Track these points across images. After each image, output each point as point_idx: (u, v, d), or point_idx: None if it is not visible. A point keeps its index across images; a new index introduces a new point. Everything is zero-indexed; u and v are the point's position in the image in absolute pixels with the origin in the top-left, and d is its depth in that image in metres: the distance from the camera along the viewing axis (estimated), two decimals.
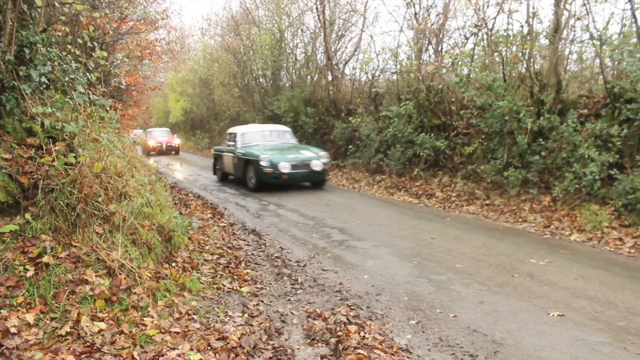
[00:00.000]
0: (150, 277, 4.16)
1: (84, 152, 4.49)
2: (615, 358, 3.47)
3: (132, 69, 11.60)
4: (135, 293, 3.86)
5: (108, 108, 5.29)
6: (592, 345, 3.66)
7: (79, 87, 4.86)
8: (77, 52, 6.23)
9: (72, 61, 5.31)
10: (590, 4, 9.40)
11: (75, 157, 4.21)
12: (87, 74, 5.39)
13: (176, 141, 28.09)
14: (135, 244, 4.45)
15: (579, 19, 10.05)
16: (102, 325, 3.41)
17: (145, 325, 3.53)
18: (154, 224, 4.95)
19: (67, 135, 4.47)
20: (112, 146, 4.48)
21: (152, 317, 3.68)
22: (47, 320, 3.34)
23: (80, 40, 6.60)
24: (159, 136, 28.18)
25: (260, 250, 6.41)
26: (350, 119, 14.87)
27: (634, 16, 8.49)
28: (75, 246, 3.98)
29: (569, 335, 3.84)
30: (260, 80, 23.84)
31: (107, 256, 3.97)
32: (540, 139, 9.11)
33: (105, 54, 6.74)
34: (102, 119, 5.28)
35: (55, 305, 3.47)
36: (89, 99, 4.90)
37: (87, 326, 3.34)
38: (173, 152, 27.52)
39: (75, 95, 4.62)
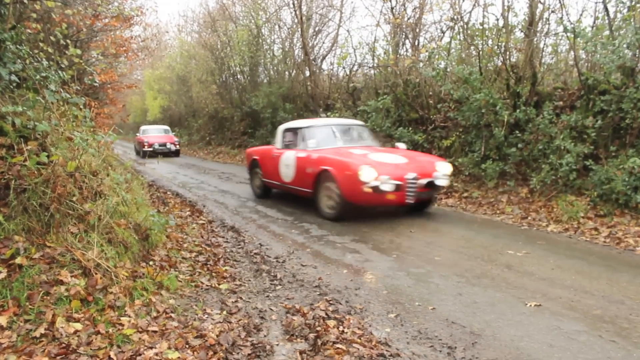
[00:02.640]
0: (127, 276, 4.11)
1: (57, 151, 4.42)
2: (591, 346, 3.52)
3: (107, 67, 11.46)
4: (111, 293, 3.82)
5: (82, 106, 5.22)
6: (568, 334, 3.71)
7: (51, 85, 4.78)
8: (50, 50, 6.14)
9: (44, 59, 5.23)
10: None
11: (48, 156, 4.15)
12: (60, 72, 5.31)
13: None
14: (111, 243, 4.40)
15: (553, 12, 10.18)
16: (78, 326, 3.37)
17: (122, 325, 3.50)
18: (130, 223, 4.90)
19: (39, 134, 4.40)
20: (86, 145, 4.42)
21: (129, 316, 3.64)
22: (21, 322, 3.29)
23: (52, 38, 6.49)
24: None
25: (239, 247, 6.38)
26: (328, 113, 14.86)
27: (606, 9, 8.62)
28: (49, 246, 3.92)
29: (546, 325, 3.88)
30: (238, 76, 23.73)
31: (82, 256, 3.93)
32: (517, 131, 9.21)
33: (79, 51, 6.64)
34: (76, 118, 5.21)
35: (30, 307, 3.42)
36: (62, 97, 4.83)
37: (62, 327, 3.29)
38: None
39: (47, 93, 4.55)
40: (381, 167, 7.34)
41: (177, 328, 3.62)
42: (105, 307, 3.66)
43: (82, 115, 5.24)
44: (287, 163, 8.77)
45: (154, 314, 3.81)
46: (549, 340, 3.62)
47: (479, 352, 3.47)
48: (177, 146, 23.58)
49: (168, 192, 11.02)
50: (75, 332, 3.31)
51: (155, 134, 24.64)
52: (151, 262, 4.86)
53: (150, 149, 22.64)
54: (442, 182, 7.80)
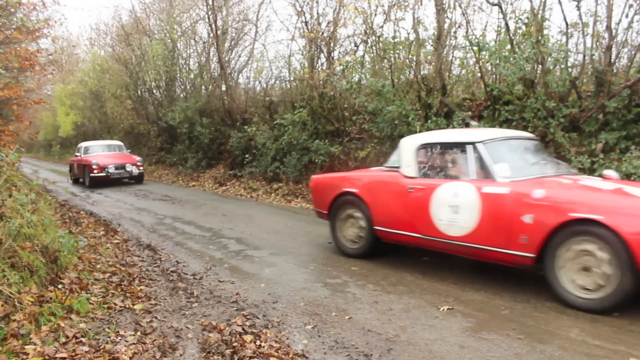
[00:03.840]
0: (32, 302, 3.93)
1: None
2: (500, 344, 3.69)
3: (11, 82, 10.94)
4: (14, 320, 3.63)
5: None
6: (479, 335, 3.87)
7: None
8: None
9: None
10: (468, 13, 10.01)
11: None
12: None
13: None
14: (14, 267, 4.19)
15: (459, 26, 10.65)
16: None
17: (27, 354, 3.33)
18: (36, 245, 4.69)
19: None
20: None
21: (35, 344, 3.47)
22: None
23: None
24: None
25: (156, 265, 6.23)
26: (245, 128, 14.81)
27: (507, 25, 9.11)
28: None
29: (458, 327, 4.04)
30: (154, 91, 23.22)
31: None
32: None
33: None
34: None
35: None
36: None
37: None
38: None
39: None
40: None
41: (88, 353, 3.49)
42: (7, 336, 3.47)
43: None
44: (455, 203, 5.19)
45: (63, 339, 3.66)
46: (461, 342, 3.76)
47: (394, 358, 3.55)
48: (141, 168, 17.37)
49: (81, 212, 10.61)
50: None
51: (105, 152, 18.04)
52: (60, 286, 4.66)
53: (102, 174, 16.30)
54: None
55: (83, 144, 18.80)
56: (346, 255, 6.37)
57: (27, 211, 4.91)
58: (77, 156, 18.19)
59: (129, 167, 16.87)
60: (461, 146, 5.45)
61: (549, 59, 8.40)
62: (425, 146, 5.81)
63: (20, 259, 4.26)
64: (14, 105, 12.50)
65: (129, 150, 19.25)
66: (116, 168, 16.64)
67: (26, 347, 3.40)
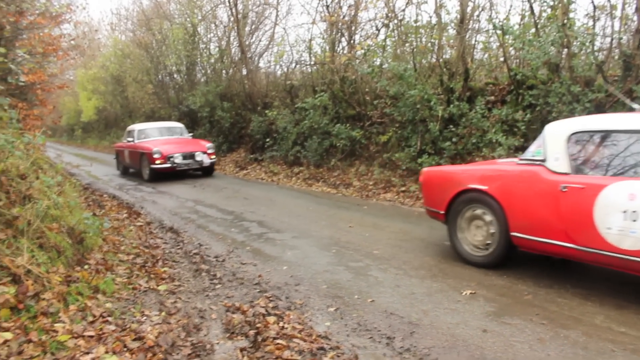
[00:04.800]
0: (60, 282, 4.00)
1: None
2: (523, 329, 3.68)
3: (35, 67, 11.04)
4: (44, 299, 3.70)
5: (6, 107, 5.03)
6: (502, 319, 3.86)
7: None
8: None
9: None
10: None
11: None
12: None
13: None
14: (42, 248, 4.26)
15: (483, 10, 10.52)
16: (8, 335, 3.24)
17: (56, 332, 3.40)
18: (63, 227, 4.76)
19: None
20: (12, 147, 4.26)
21: (64, 322, 3.54)
22: None
23: None
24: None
25: (178, 247, 6.30)
26: (266, 112, 14.83)
27: (532, 8, 8.97)
28: None
29: (481, 311, 4.03)
30: (175, 75, 23.28)
31: (11, 263, 3.78)
32: (451, 126, 9.46)
33: (3, 50, 6.38)
34: (1, 119, 5.01)
35: None
36: None
37: None
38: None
39: None
40: None
41: (115, 332, 3.55)
42: (37, 315, 3.54)
43: (8, 116, 5.04)
44: (631, 207, 4.04)
45: (90, 318, 3.72)
46: (483, 326, 3.76)
47: (416, 341, 3.56)
48: (212, 157, 13.87)
49: (104, 195, 10.74)
50: (5, 342, 3.18)
51: (165, 137, 14.79)
52: (86, 266, 4.73)
53: (166, 165, 13.06)
54: None
55: (136, 127, 15.23)
56: (469, 264, 5.30)
57: (53, 193, 4.98)
58: (129, 142, 14.75)
59: (199, 156, 13.39)
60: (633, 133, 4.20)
61: (575, 43, 8.26)
62: (580, 134, 4.59)
63: (48, 239, 4.33)
64: (38, 90, 12.60)
65: (191, 134, 15.83)
66: (184, 157, 13.26)
67: (55, 325, 3.47)
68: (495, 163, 5.90)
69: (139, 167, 13.94)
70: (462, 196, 5.38)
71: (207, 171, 13.96)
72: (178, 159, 13.12)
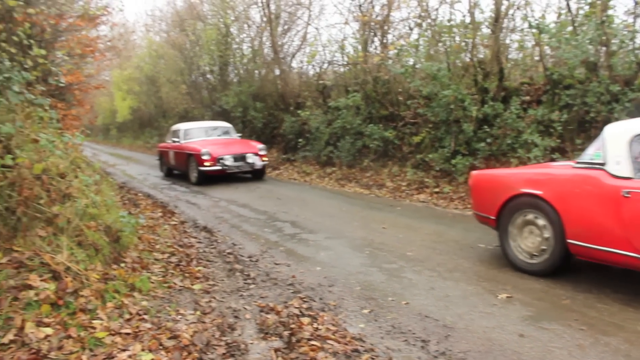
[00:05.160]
0: (98, 279, 4.06)
1: (23, 154, 4.33)
2: (561, 334, 3.59)
3: (73, 68, 11.26)
4: (82, 296, 3.76)
5: (47, 107, 5.13)
6: (539, 324, 3.78)
7: (14, 86, 4.69)
8: (13, 50, 6.00)
9: (7, 60, 5.12)
10: None
11: (12, 158, 4.07)
12: (24, 72, 5.20)
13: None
14: (81, 245, 4.33)
15: (518, 8, 10.35)
16: (49, 330, 3.31)
17: (94, 328, 3.45)
18: (100, 225, 4.83)
19: (3, 136, 4.30)
20: (53, 146, 4.35)
21: (101, 319, 3.60)
22: None
23: (15, 38, 6.35)
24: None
25: (212, 247, 6.35)
26: (299, 112, 14.87)
27: (569, 6, 8.80)
28: (17, 251, 3.85)
29: (517, 316, 3.95)
30: (208, 76, 23.51)
31: (51, 259, 3.86)
32: (486, 126, 9.34)
33: (43, 52, 6.50)
34: (42, 119, 5.11)
35: None
36: (26, 98, 4.73)
37: (32, 332, 3.23)
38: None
39: (10, 95, 4.46)
40: None
41: (151, 330, 3.59)
42: (76, 311, 3.60)
43: (48, 116, 5.14)
44: None
45: (127, 316, 3.78)
46: (520, 330, 3.69)
47: (452, 345, 3.51)
48: (265, 159, 12.91)
49: (139, 194, 10.89)
50: (46, 337, 3.25)
51: (212, 137, 13.97)
52: (123, 264, 4.80)
53: (216, 168, 12.15)
54: None
55: (182, 127, 14.32)
56: (521, 271, 5.02)
57: (91, 192, 5.06)
58: (174, 142, 13.84)
59: (250, 158, 12.46)
60: None
61: (614, 41, 8.06)
62: None
63: (86, 237, 4.40)
64: (76, 91, 12.87)
65: (239, 134, 14.85)
66: (235, 159, 12.34)
67: (93, 321, 3.52)
68: (549, 167, 5.59)
69: (185, 169, 13.06)
70: (515, 201, 5.12)
71: (258, 174, 13.02)
72: (228, 161, 12.23)
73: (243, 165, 12.38)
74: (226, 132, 14.39)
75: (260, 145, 12.89)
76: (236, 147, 12.84)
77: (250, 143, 13.29)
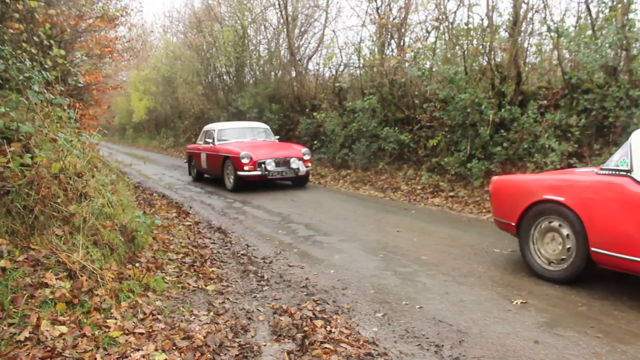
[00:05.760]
0: (112, 278, 4.09)
1: (41, 153, 4.39)
2: (577, 342, 3.55)
3: (92, 68, 11.38)
4: (97, 295, 3.79)
5: (66, 107, 5.18)
6: (554, 331, 3.74)
7: (34, 86, 4.74)
8: (33, 51, 6.08)
9: (28, 60, 5.19)
10: None
11: (31, 157, 4.12)
12: (44, 72, 5.26)
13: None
14: (96, 245, 4.37)
15: (536, 12, 10.28)
16: (64, 328, 3.34)
17: (109, 327, 3.48)
18: (116, 224, 4.87)
19: (22, 135, 4.36)
20: (71, 146, 4.39)
21: (116, 318, 3.62)
22: (5, 326, 3.25)
23: (36, 39, 6.44)
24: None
25: (226, 248, 6.36)
26: (314, 114, 14.88)
27: (588, 9, 8.71)
28: (33, 249, 3.89)
29: (532, 322, 3.91)
30: (224, 77, 23.63)
31: (67, 258, 3.89)
32: (502, 130, 9.28)
33: (63, 52, 6.59)
34: (60, 119, 5.16)
35: (13, 310, 3.38)
36: (46, 98, 4.79)
37: (47, 330, 3.26)
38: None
39: (30, 94, 4.51)
40: None
41: (164, 330, 3.60)
42: (91, 310, 3.63)
43: (67, 116, 5.20)
44: None
45: (141, 315, 3.79)
46: (535, 337, 3.65)
47: (466, 350, 3.48)
48: (309, 165, 11.56)
49: (154, 194, 10.96)
50: (61, 335, 3.28)
51: (249, 138, 12.77)
52: (137, 264, 4.83)
53: (256, 173, 10.85)
54: None
55: (215, 127, 13.01)
56: (542, 278, 4.93)
57: (107, 191, 5.10)
58: (207, 144, 12.53)
59: (294, 163, 11.08)
60: None
61: (635, 45, 7.96)
62: None
63: (102, 237, 4.44)
64: (94, 91, 13.02)
65: (277, 137, 13.37)
66: (277, 164, 11.01)
67: (108, 320, 3.55)
68: (572, 173, 5.49)
69: (220, 174, 11.81)
70: (536, 207, 5.01)
71: (300, 182, 11.77)
72: (270, 166, 10.86)
73: (286, 170, 11.07)
74: (263, 134, 13.13)
75: (304, 150, 11.63)
76: (278, 150, 11.50)
77: (293, 146, 12.08)
